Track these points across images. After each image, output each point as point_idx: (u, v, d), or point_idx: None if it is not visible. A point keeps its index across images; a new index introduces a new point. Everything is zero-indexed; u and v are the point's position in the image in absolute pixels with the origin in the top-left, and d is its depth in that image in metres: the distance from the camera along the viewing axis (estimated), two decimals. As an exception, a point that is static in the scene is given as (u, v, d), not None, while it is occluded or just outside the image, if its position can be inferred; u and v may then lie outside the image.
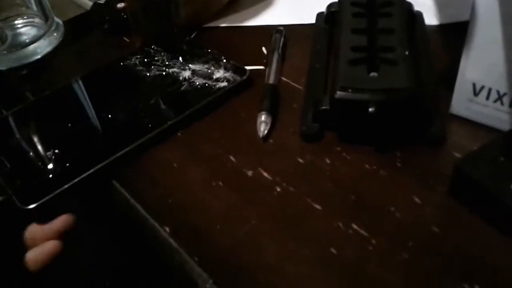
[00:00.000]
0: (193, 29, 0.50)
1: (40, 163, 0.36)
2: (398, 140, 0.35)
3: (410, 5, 0.45)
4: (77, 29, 0.53)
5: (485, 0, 0.30)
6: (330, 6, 0.46)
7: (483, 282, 0.27)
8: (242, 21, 0.51)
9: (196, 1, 0.48)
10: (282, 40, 0.46)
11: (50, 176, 0.35)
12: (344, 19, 0.40)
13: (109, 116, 0.40)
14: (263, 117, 0.38)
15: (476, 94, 0.34)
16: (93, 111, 0.41)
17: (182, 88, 0.41)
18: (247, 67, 0.43)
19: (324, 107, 0.35)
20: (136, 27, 0.47)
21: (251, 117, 0.39)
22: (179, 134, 0.39)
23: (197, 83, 0.41)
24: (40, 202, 0.32)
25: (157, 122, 0.38)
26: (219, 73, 0.42)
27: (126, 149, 0.36)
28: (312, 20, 0.49)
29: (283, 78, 0.43)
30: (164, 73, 0.43)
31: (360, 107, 0.33)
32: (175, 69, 0.43)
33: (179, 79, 0.42)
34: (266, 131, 0.37)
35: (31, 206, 0.32)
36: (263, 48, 0.47)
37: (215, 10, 0.51)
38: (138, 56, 0.46)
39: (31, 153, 0.37)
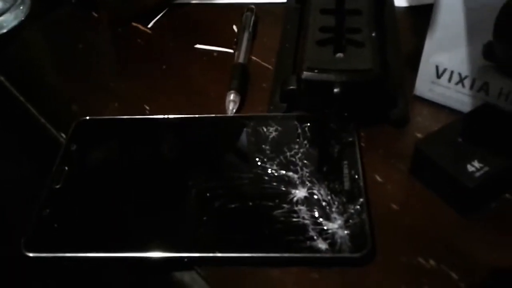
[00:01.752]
0: (163, 5, 0.49)
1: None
2: (363, 120, 0.36)
3: (379, -14, 0.45)
4: (44, 2, 0.52)
5: (448, -16, 0.31)
6: (301, -16, 0.46)
7: (438, 257, 0.28)
8: (213, -2, 0.50)
9: (166, -23, 0.48)
10: (253, 19, 0.46)
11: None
12: (313, -1, 0.40)
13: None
14: (231, 96, 0.38)
15: (439, 76, 0.35)
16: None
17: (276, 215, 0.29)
18: (217, 48, 0.43)
19: (291, 87, 0.35)
20: (104, 3, 0.46)
21: (220, 96, 0.39)
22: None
23: (303, 217, 0.29)
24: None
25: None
26: (333, 224, 0.29)
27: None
28: (283, -1, 0.49)
29: (253, 57, 0.43)
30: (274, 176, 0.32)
31: (326, 88, 0.33)
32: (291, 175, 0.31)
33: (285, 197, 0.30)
34: (234, 110, 0.37)
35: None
36: (234, 27, 0.46)
37: (186, -13, 0.50)
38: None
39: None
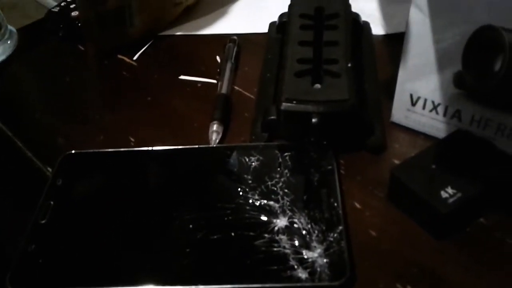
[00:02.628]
0: (148, 37, 0.51)
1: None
2: (341, 148, 0.37)
3: (357, 16, 0.47)
4: (31, 36, 0.53)
5: (417, 16, 0.32)
6: (281, 16, 0.47)
7: (415, 282, 0.29)
8: (197, 30, 0.52)
9: (150, 10, 0.49)
10: (235, 50, 0.47)
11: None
12: (292, 31, 0.41)
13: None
14: (214, 127, 0.39)
15: (413, 104, 0.36)
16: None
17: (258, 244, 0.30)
18: (200, 79, 0.45)
19: (271, 117, 0.37)
20: (89, 36, 0.47)
21: (204, 126, 0.40)
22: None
23: (284, 247, 0.30)
24: None
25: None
26: (313, 252, 0.29)
27: None
28: (265, 29, 0.50)
29: (236, 87, 0.44)
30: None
31: (304, 118, 0.34)
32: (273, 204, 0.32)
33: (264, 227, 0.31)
34: (217, 140, 0.38)
35: None
36: (217, 57, 0.48)
37: (170, 19, 0.51)
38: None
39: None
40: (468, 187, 0.30)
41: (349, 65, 0.37)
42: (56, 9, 0.51)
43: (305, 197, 0.33)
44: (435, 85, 0.34)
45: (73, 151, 0.37)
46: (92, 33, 0.47)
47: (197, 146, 0.37)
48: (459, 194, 0.30)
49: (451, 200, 0.30)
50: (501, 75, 0.30)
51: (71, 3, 0.52)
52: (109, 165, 0.37)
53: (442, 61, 0.33)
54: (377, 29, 0.49)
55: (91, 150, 0.38)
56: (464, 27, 0.30)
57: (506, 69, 0.30)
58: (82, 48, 0.51)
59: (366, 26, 0.48)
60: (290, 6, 0.46)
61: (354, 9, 0.47)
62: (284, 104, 0.35)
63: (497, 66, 0.30)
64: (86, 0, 0.45)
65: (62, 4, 0.52)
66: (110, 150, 0.37)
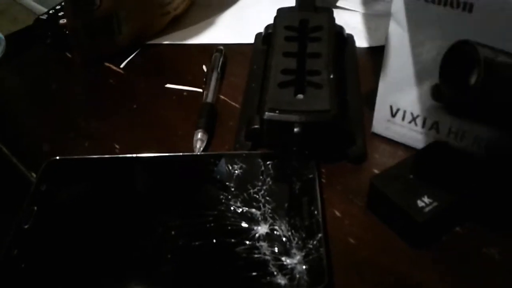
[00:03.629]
0: (136, 46, 0.51)
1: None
2: (323, 157, 0.37)
3: (341, 29, 0.48)
4: (19, 43, 0.53)
5: (396, 31, 0.33)
6: (267, 27, 0.48)
7: (392, 290, 0.30)
8: (184, 39, 0.52)
9: (138, 19, 0.50)
10: (221, 59, 0.48)
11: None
12: (277, 42, 0.42)
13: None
14: (199, 135, 0.39)
15: (393, 115, 0.37)
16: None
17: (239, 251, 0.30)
18: (186, 88, 0.45)
19: (255, 126, 0.37)
20: (77, 44, 0.47)
21: (189, 134, 0.40)
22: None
23: (264, 253, 0.30)
24: None
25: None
26: (292, 259, 0.30)
27: None
28: (251, 39, 0.51)
29: (221, 96, 0.45)
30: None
31: (287, 127, 0.35)
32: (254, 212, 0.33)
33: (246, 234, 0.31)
34: (201, 148, 0.39)
35: None
36: (204, 67, 0.48)
37: (158, 28, 0.52)
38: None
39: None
40: (444, 197, 0.31)
41: (331, 76, 0.38)
42: (45, 17, 0.52)
43: (286, 205, 0.33)
44: (414, 97, 0.35)
45: (57, 157, 0.38)
46: (80, 41, 0.48)
47: (181, 153, 0.38)
48: (435, 203, 0.31)
49: (427, 209, 0.30)
50: (476, 88, 0.31)
51: (59, 10, 0.52)
52: (93, 171, 0.37)
53: (420, 74, 0.34)
54: (361, 41, 0.50)
55: (76, 157, 0.38)
56: (441, 42, 0.31)
57: (481, 83, 0.31)
58: (70, 56, 0.51)
59: (350, 38, 0.49)
60: (275, 18, 0.47)
61: (338, 22, 0.48)
62: (267, 113, 0.36)
63: (473, 80, 0.32)
64: (74, 9, 0.46)
65: (51, 11, 0.52)
66: (94, 156, 0.38)
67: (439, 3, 0.30)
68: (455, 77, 0.32)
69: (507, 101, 0.31)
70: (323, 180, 0.36)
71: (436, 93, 0.34)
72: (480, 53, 0.30)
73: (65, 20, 0.50)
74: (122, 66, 0.49)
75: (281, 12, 0.48)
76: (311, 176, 0.35)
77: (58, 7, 0.53)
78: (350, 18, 0.53)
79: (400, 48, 0.33)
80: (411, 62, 0.34)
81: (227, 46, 0.50)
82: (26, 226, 0.33)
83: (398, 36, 0.33)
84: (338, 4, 0.56)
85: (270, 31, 0.47)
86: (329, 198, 0.35)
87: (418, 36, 0.32)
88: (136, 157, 0.38)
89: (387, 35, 0.34)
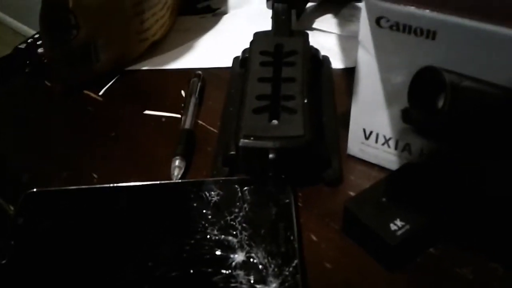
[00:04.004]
0: (115, 72, 0.52)
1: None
2: (299, 181, 0.38)
3: (316, 51, 0.49)
4: (-2, 72, 0.54)
5: (364, 57, 0.34)
6: (244, 51, 0.49)
7: (368, 313, 0.30)
8: (163, 64, 0.53)
9: (116, 46, 0.50)
10: (199, 84, 0.49)
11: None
12: (252, 67, 0.43)
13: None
14: (177, 162, 0.40)
15: (367, 138, 0.38)
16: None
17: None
18: (165, 114, 0.46)
19: (231, 153, 0.38)
20: (55, 72, 0.48)
21: (167, 161, 0.40)
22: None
23: (241, 282, 0.30)
24: None
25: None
26: (268, 287, 0.30)
27: None
28: (229, 63, 0.51)
29: (200, 122, 0.45)
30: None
31: (262, 154, 0.36)
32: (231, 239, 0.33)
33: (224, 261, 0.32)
34: (179, 175, 0.39)
35: None
36: (182, 92, 0.49)
37: (136, 54, 0.52)
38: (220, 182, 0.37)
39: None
40: (416, 219, 0.32)
41: (305, 101, 0.39)
42: (23, 46, 0.52)
43: (262, 231, 0.34)
44: (385, 120, 0.36)
45: (35, 189, 0.38)
46: (58, 70, 0.48)
47: (158, 182, 0.38)
48: (407, 226, 0.31)
49: (399, 232, 0.31)
50: (444, 112, 0.32)
51: (38, 39, 0.52)
52: (71, 203, 0.37)
53: (390, 98, 0.35)
54: (337, 63, 0.51)
55: (53, 188, 0.38)
56: (408, 68, 0.32)
57: (448, 106, 0.32)
58: (49, 84, 0.51)
59: (325, 60, 0.50)
60: (251, 43, 0.47)
61: (314, 43, 0.49)
62: (242, 140, 0.36)
63: (440, 104, 0.32)
64: (51, 38, 0.46)
65: (29, 40, 0.53)
66: (71, 188, 0.38)
67: (404, 31, 0.31)
68: (424, 101, 0.33)
69: (473, 123, 0.32)
70: (300, 204, 0.37)
71: (406, 116, 0.35)
72: (446, 78, 0.31)
73: (43, 49, 0.50)
74: (101, 93, 0.50)
75: (257, 36, 0.49)
76: (287, 201, 0.36)
77: (36, 35, 0.53)
78: (326, 40, 0.54)
79: (369, 73, 0.34)
80: (380, 87, 0.34)
81: (205, 70, 0.51)
82: (3, 262, 0.33)
83: (366, 62, 0.34)
84: (314, 26, 0.57)
85: (247, 55, 0.48)
86: (305, 222, 0.36)
87: (386, 62, 0.33)
88: (114, 187, 0.38)
89: (356, 61, 0.35)
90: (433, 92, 0.32)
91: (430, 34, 0.30)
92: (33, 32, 0.54)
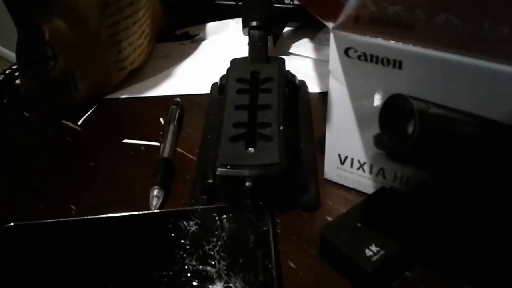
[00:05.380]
0: (93, 101, 0.52)
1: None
2: (277, 208, 0.38)
3: (293, 76, 0.50)
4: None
5: (336, 86, 0.35)
6: (222, 78, 0.49)
7: None
8: (142, 92, 0.53)
9: (94, 76, 0.50)
10: (178, 112, 0.49)
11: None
12: (229, 95, 0.44)
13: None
14: (155, 192, 0.40)
15: (342, 162, 0.39)
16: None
17: None
18: (144, 142, 0.46)
19: (209, 181, 0.38)
20: (33, 104, 0.48)
21: (146, 190, 0.41)
22: (74, 211, 0.40)
23: None
24: None
25: None
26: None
27: None
28: (208, 89, 0.52)
29: (179, 149, 0.46)
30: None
31: (238, 182, 0.36)
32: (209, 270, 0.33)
33: None
34: (158, 205, 0.39)
35: None
36: (161, 119, 0.49)
37: (115, 83, 0.53)
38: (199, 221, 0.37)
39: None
40: (391, 244, 0.32)
41: (281, 128, 0.39)
42: (1, 77, 0.52)
43: (241, 260, 0.34)
44: (359, 146, 0.37)
45: (11, 224, 0.37)
46: (36, 101, 0.48)
47: (136, 213, 0.38)
48: (382, 252, 0.32)
49: (374, 257, 0.31)
50: (413, 138, 0.33)
51: (15, 70, 0.52)
52: (49, 236, 0.37)
53: (362, 125, 0.35)
54: (314, 87, 0.52)
55: (31, 222, 0.38)
56: (378, 96, 0.33)
57: (417, 132, 0.33)
58: (27, 115, 0.51)
59: (302, 85, 0.51)
60: (228, 70, 0.48)
61: (291, 68, 0.50)
62: (218, 169, 0.36)
63: (410, 130, 0.33)
64: (28, 69, 0.46)
65: (7, 71, 0.53)
66: (49, 221, 0.38)
67: (371, 61, 0.32)
68: (394, 127, 0.34)
69: (441, 147, 0.33)
70: (279, 231, 0.37)
71: (378, 142, 0.35)
72: (414, 106, 0.32)
73: (19, 81, 0.50)
74: (79, 123, 0.50)
75: (234, 63, 0.50)
76: (265, 228, 0.36)
77: (14, 66, 0.53)
78: (302, 64, 0.55)
79: (340, 101, 0.35)
80: (352, 114, 0.35)
81: (184, 97, 0.52)
82: (-22, 299, 0.33)
83: (338, 90, 0.35)
84: (290, 50, 0.58)
85: (224, 82, 0.48)
86: (284, 249, 0.36)
87: (356, 90, 0.34)
88: (92, 219, 0.38)
89: (328, 89, 0.36)
90: (403, 119, 0.33)
91: (397, 64, 0.31)
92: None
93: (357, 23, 0.30)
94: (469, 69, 0.28)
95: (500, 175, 0.31)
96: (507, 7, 0.22)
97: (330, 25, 0.32)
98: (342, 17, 0.30)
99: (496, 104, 0.28)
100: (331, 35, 0.32)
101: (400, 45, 0.30)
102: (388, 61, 0.31)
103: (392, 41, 0.30)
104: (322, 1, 0.30)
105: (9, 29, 0.52)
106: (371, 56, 0.31)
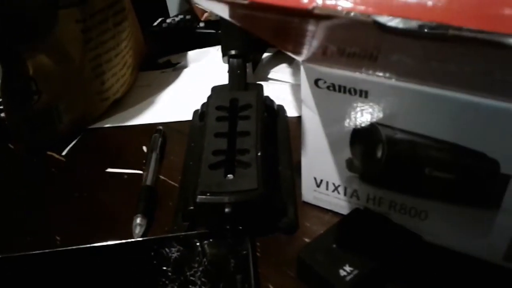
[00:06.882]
0: (78, 131, 0.53)
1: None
2: (257, 232, 0.40)
3: (271, 102, 0.51)
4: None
5: (308, 114, 0.37)
6: (203, 105, 0.51)
7: None
8: (125, 121, 0.55)
9: (78, 107, 0.52)
10: (160, 139, 0.50)
11: None
12: (209, 122, 0.45)
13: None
14: (138, 220, 0.41)
15: (318, 185, 0.40)
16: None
17: None
18: (127, 171, 0.47)
19: (190, 208, 0.39)
20: (18, 136, 0.49)
21: (129, 218, 0.42)
22: None
23: None
24: None
25: None
26: None
27: None
28: (190, 117, 0.54)
29: (161, 177, 0.47)
30: None
31: (218, 208, 0.37)
32: None
33: None
34: (141, 233, 0.40)
35: None
36: (144, 147, 0.51)
37: (98, 113, 0.54)
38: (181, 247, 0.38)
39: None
40: (364, 264, 0.33)
41: (259, 154, 0.41)
42: (-15, 110, 0.53)
43: (221, 285, 0.35)
44: (333, 169, 0.38)
45: (-2, 256, 0.38)
46: (20, 133, 0.49)
47: (119, 242, 0.39)
48: (355, 272, 0.33)
49: (348, 277, 0.33)
50: (383, 161, 0.35)
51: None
52: (34, 267, 0.38)
53: (335, 149, 0.37)
54: (292, 111, 0.54)
55: (16, 254, 0.39)
56: (347, 123, 0.35)
57: (387, 156, 0.35)
58: (12, 147, 0.52)
59: (281, 110, 0.53)
60: (208, 98, 0.50)
61: (270, 93, 0.52)
62: (199, 197, 0.38)
63: (379, 154, 0.35)
64: (12, 103, 0.48)
65: (-8, 104, 0.54)
66: (34, 252, 0.39)
67: (340, 90, 0.33)
68: (364, 152, 0.36)
69: (409, 171, 0.34)
70: (258, 254, 0.38)
71: (351, 165, 0.37)
72: (381, 132, 0.34)
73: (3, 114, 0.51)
74: (64, 153, 0.51)
75: (214, 91, 0.51)
76: (245, 252, 0.37)
77: (-2, 100, 0.54)
78: (281, 89, 0.57)
79: (313, 128, 0.37)
80: (325, 140, 0.37)
81: (166, 124, 0.53)
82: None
83: (310, 119, 0.36)
84: (269, 76, 0.60)
85: (204, 109, 0.50)
86: (264, 272, 0.37)
87: (327, 117, 0.36)
88: (76, 248, 0.39)
89: (301, 116, 0.37)
90: (372, 143, 0.35)
91: (363, 93, 0.32)
92: None
93: (325, 55, 0.32)
94: (429, 97, 0.30)
95: (465, 194, 0.33)
96: (451, 48, 0.24)
97: (299, 58, 0.33)
98: (310, 52, 0.32)
99: (457, 129, 0.30)
100: (301, 67, 0.34)
101: (364, 76, 0.32)
102: (355, 91, 0.33)
103: (357, 73, 0.32)
104: (288, 41, 0.32)
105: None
106: (339, 86, 0.33)
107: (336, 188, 0.39)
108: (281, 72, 0.60)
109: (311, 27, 0.27)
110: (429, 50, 0.25)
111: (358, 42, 0.28)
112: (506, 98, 0.28)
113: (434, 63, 0.26)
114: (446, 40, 0.22)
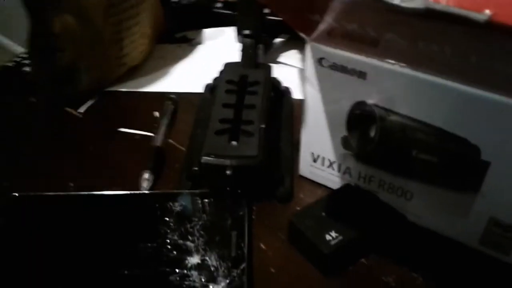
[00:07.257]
0: (95, 92, 0.56)
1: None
2: (254, 197, 0.43)
3: (278, 83, 0.54)
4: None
5: (311, 91, 0.39)
6: (214, 79, 0.54)
7: (303, 312, 0.35)
8: (140, 87, 0.58)
9: (96, 69, 0.55)
10: (172, 107, 0.54)
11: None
12: (218, 94, 0.48)
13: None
14: (146, 175, 0.44)
15: (314, 161, 0.43)
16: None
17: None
18: (139, 132, 0.50)
19: (194, 168, 0.43)
20: (41, 89, 0.52)
21: (138, 175, 0.45)
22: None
23: (194, 281, 0.35)
24: None
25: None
26: (218, 285, 0.35)
27: None
28: (201, 89, 0.57)
29: (170, 141, 0.50)
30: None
31: (220, 170, 0.41)
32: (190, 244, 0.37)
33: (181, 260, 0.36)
34: (148, 187, 0.44)
35: None
36: (155, 113, 0.54)
37: (115, 77, 0.57)
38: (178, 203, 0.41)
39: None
40: (349, 231, 0.37)
41: (262, 126, 0.44)
42: (11, 64, 0.57)
43: (217, 238, 0.38)
44: (329, 146, 0.41)
45: (16, 194, 0.42)
46: (43, 87, 0.52)
47: (128, 192, 0.42)
48: (340, 237, 0.36)
49: (333, 242, 0.36)
50: (375, 141, 0.38)
51: (24, 58, 0.57)
52: (49, 208, 0.41)
53: (332, 127, 0.40)
54: (298, 94, 0.57)
55: (33, 193, 0.42)
56: (346, 102, 0.38)
57: (379, 136, 0.38)
58: (34, 100, 0.55)
59: (287, 91, 0.56)
60: (220, 72, 0.53)
61: (279, 75, 0.54)
62: (203, 158, 0.41)
63: (372, 133, 0.38)
64: (39, 59, 0.51)
65: (18, 59, 0.57)
66: (50, 194, 0.42)
67: (341, 70, 0.36)
68: (359, 131, 0.39)
69: (398, 151, 0.37)
70: (254, 217, 0.42)
71: (345, 143, 0.40)
72: (376, 112, 0.37)
73: (29, 68, 0.55)
74: (81, 111, 0.54)
75: (227, 66, 0.54)
76: (241, 213, 0.40)
77: (23, 55, 0.58)
78: (289, 73, 0.60)
79: (314, 105, 0.40)
80: (324, 117, 0.40)
81: (179, 94, 0.56)
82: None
83: (313, 96, 0.39)
84: (279, 59, 0.63)
85: (215, 83, 0.53)
86: (257, 232, 0.40)
87: (328, 96, 0.39)
88: (89, 194, 0.42)
89: (305, 94, 0.40)
90: (367, 123, 0.38)
91: (361, 75, 0.35)
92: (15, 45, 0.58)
93: (329, 36, 0.35)
94: (418, 82, 0.33)
95: (447, 177, 0.36)
96: (442, 30, 0.27)
97: (306, 37, 0.36)
98: (316, 32, 0.35)
99: (442, 114, 0.33)
100: (307, 45, 0.37)
101: (363, 58, 0.35)
102: (354, 71, 0.36)
103: (357, 55, 0.35)
104: (298, 17, 0.35)
105: (15, 22, 0.57)
106: (340, 66, 0.36)
107: (331, 164, 0.43)
108: (290, 57, 0.63)
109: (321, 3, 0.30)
110: (417, 29, 0.28)
111: (361, 22, 0.31)
112: (481, 85, 0.30)
113: (421, 43, 0.29)
114: (427, 17, 0.24)
